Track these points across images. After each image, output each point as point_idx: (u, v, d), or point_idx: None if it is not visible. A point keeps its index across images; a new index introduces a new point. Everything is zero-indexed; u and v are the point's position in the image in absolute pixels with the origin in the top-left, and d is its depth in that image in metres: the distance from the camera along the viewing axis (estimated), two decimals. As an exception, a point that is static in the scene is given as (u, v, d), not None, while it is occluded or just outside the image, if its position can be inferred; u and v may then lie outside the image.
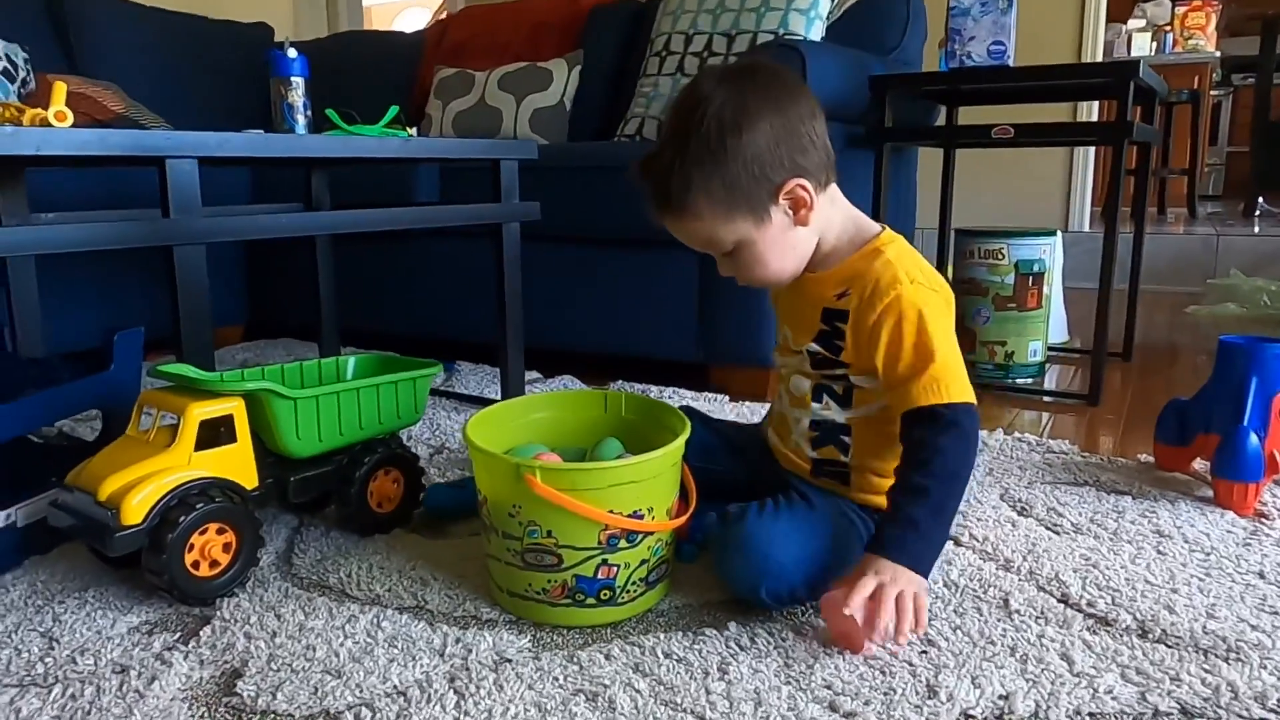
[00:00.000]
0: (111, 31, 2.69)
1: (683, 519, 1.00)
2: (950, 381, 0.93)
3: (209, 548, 0.99)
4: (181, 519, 0.95)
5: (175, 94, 2.72)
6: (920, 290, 0.95)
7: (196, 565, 0.98)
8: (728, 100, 0.92)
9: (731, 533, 0.96)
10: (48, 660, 0.89)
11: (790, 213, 0.96)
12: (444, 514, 1.25)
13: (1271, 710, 0.78)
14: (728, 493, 1.09)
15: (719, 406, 1.80)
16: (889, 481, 1.00)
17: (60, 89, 1.11)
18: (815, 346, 1.02)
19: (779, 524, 0.95)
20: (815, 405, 1.04)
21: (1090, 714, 0.78)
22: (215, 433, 1.02)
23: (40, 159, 1.06)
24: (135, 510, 0.94)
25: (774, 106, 0.93)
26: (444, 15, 3.08)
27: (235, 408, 1.03)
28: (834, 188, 1.01)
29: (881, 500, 1.01)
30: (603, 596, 0.94)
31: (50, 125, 1.09)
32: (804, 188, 0.95)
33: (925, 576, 0.90)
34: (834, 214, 1.01)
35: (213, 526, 0.99)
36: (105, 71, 2.53)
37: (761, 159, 0.92)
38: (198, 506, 0.97)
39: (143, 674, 0.86)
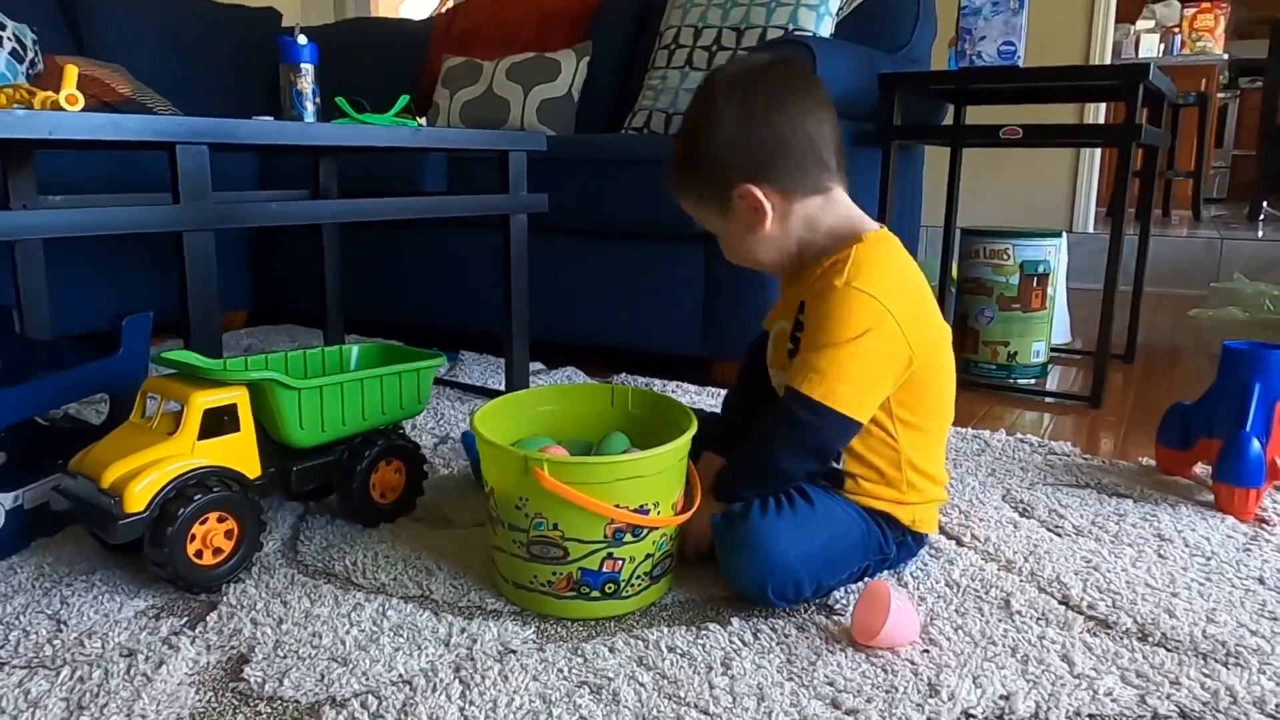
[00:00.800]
0: (119, 13, 2.68)
1: (687, 514, 1.00)
2: (822, 378, 0.95)
3: (211, 536, 0.99)
4: (181, 510, 0.95)
5: (182, 77, 2.72)
6: (851, 293, 0.95)
7: (199, 554, 0.99)
8: (710, 100, 1.00)
9: (735, 532, 0.96)
10: (55, 643, 0.90)
11: (749, 213, 1.01)
12: (471, 453, 1.37)
13: (1270, 715, 0.79)
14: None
15: (722, 402, 1.80)
16: (881, 488, 1.03)
17: (71, 72, 1.11)
18: (790, 344, 1.04)
19: (782, 522, 0.96)
20: None
21: (1090, 715, 0.79)
22: (219, 421, 1.02)
23: (52, 142, 1.06)
24: (138, 498, 0.94)
25: (745, 115, 0.98)
26: (452, 3, 3.07)
27: (239, 397, 1.03)
28: (837, 191, 1.03)
29: (874, 503, 1.03)
30: (607, 590, 0.95)
31: (61, 108, 1.09)
32: (752, 194, 0.99)
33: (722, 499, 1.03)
34: (826, 214, 1.03)
35: (213, 515, 0.99)
36: (113, 53, 2.53)
37: (719, 160, 1.00)
38: (196, 498, 0.97)
39: (150, 658, 0.87)
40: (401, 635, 0.92)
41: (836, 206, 1.04)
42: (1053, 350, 2.13)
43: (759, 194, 0.99)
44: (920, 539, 1.08)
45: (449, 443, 1.54)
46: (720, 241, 1.09)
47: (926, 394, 1.03)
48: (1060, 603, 0.99)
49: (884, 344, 0.96)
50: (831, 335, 0.95)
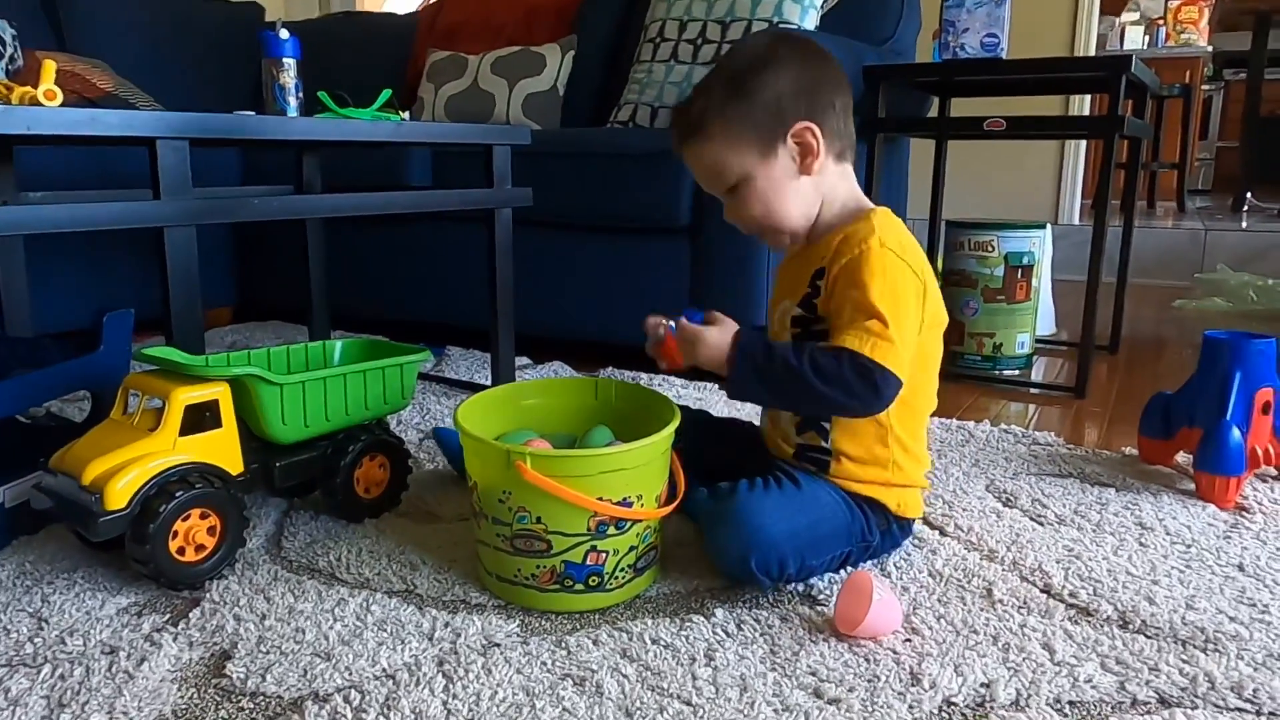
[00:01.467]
0: (101, 8, 2.66)
1: (671, 507, 1.00)
2: (881, 343, 0.93)
3: (193, 533, 0.99)
4: (163, 507, 0.95)
5: (164, 72, 2.70)
6: (887, 255, 0.97)
7: (181, 551, 0.98)
8: (767, 45, 1.02)
9: (721, 506, 0.97)
10: (37, 640, 0.90)
11: (796, 158, 1.00)
12: (444, 447, 1.36)
13: (1248, 700, 0.80)
14: (719, 479, 1.09)
15: (709, 394, 1.81)
16: (868, 469, 1.03)
17: (50, 67, 1.10)
18: (798, 311, 1.04)
19: (768, 499, 0.97)
20: None
21: (1070, 702, 0.80)
22: (200, 417, 1.02)
23: (30, 138, 1.06)
24: (119, 495, 0.93)
25: (806, 63, 1.00)
26: (437, -3, 3.06)
27: (221, 393, 1.03)
28: (848, 167, 1.06)
29: (859, 487, 1.03)
30: (591, 582, 0.95)
31: (40, 104, 1.08)
32: (813, 133, 0.99)
33: (728, 376, 0.98)
34: (842, 186, 1.05)
35: (196, 512, 0.99)
36: (94, 48, 2.51)
37: (780, 98, 0.99)
38: (178, 494, 0.96)
39: (132, 655, 0.87)
40: (385, 630, 0.92)
41: (850, 183, 1.06)
42: (1038, 341, 2.14)
43: (817, 132, 0.99)
44: (905, 528, 1.09)
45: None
46: (737, 201, 1.03)
47: (922, 371, 1.03)
48: (1042, 591, 1.00)
49: (917, 309, 0.97)
50: (881, 298, 0.94)
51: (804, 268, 1.05)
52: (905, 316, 0.95)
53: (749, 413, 1.43)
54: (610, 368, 2.02)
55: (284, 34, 1.59)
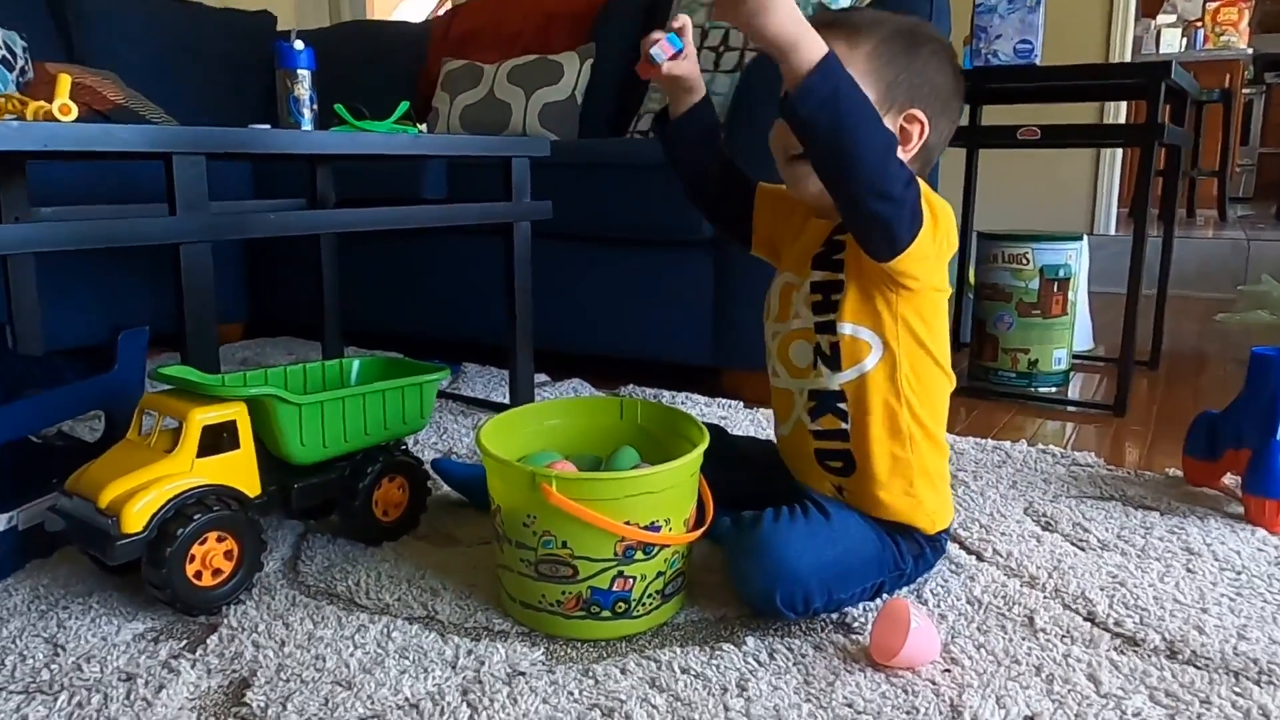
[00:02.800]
0: (110, 19, 2.65)
1: (699, 532, 0.98)
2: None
3: (210, 557, 0.97)
4: (181, 530, 0.93)
5: (174, 83, 2.68)
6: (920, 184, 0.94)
7: (198, 575, 0.96)
8: (950, 48, 1.02)
9: (746, 537, 0.94)
10: (53, 667, 0.88)
11: (897, 134, 0.98)
12: (446, 477, 1.31)
13: (1311, 741, 0.76)
14: (742, 506, 1.06)
15: (733, 413, 1.78)
16: (896, 487, 0.99)
17: (64, 82, 1.09)
18: (817, 275, 1.01)
19: (795, 530, 0.94)
20: (812, 373, 1.01)
21: (1122, 741, 0.76)
22: (218, 439, 1.00)
23: (45, 153, 1.05)
24: (136, 518, 0.92)
25: (957, 89, 1.01)
26: (450, 4, 3.05)
27: (238, 413, 1.01)
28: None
29: (888, 514, 0.99)
30: (618, 609, 0.92)
31: (54, 119, 1.08)
32: (922, 130, 0.98)
33: (813, 69, 0.83)
34: None
35: (213, 535, 0.97)
36: (104, 60, 2.51)
37: (926, 84, 0.98)
38: (195, 517, 0.95)
39: (150, 682, 0.85)
40: (407, 657, 0.89)
41: None
42: (1075, 357, 2.09)
43: (926, 133, 0.98)
44: (938, 549, 1.06)
45: (452, 456, 1.52)
46: None
47: (929, 337, 0.99)
48: (1086, 619, 0.96)
49: (937, 224, 0.93)
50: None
51: (817, 234, 1.03)
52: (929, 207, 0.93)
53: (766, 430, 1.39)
54: (631, 385, 1.99)
55: (299, 45, 1.58)
